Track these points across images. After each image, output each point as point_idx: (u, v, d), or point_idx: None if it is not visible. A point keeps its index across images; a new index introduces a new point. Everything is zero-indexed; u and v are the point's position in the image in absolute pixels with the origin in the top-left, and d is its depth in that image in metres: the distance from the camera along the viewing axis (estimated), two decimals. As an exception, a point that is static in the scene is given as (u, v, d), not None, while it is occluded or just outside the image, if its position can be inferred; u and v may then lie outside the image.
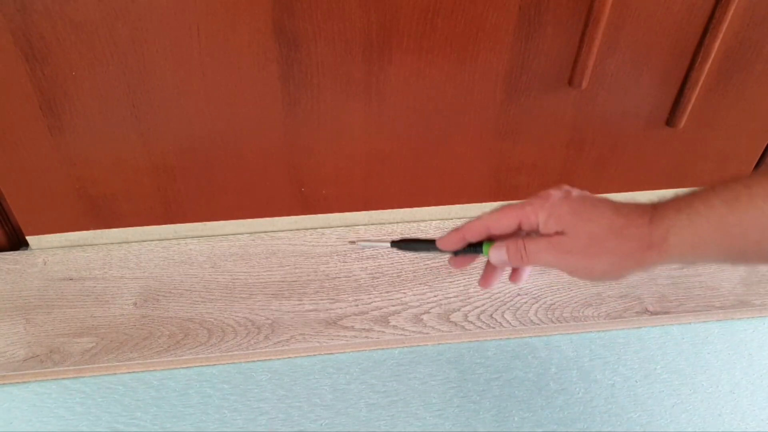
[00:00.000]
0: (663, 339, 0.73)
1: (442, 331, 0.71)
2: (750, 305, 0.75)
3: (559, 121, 0.74)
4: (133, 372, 0.68)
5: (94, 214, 0.76)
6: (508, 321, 0.72)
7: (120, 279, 0.75)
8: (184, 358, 0.68)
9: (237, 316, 0.71)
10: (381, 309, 0.73)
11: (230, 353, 0.68)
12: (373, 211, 0.82)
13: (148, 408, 0.65)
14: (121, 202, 0.75)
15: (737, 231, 0.35)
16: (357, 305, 0.73)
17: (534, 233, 0.44)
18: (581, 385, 0.69)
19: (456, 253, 0.46)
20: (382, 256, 0.78)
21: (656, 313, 0.74)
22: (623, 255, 0.39)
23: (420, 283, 0.76)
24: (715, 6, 0.64)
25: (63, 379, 0.67)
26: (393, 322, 0.71)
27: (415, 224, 0.83)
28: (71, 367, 0.67)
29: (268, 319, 0.71)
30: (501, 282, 0.75)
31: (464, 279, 0.76)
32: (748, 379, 0.70)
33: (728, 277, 0.78)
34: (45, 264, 0.76)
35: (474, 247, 0.45)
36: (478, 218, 0.44)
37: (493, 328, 0.72)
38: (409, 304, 0.73)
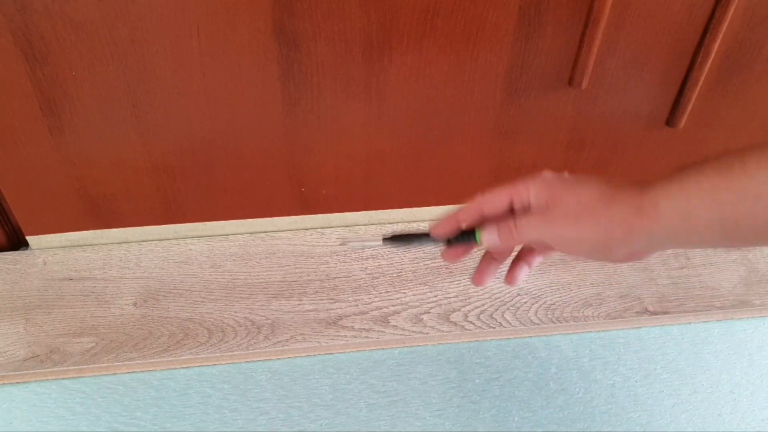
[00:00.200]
0: (663, 339, 0.73)
1: (442, 331, 0.71)
2: (750, 305, 0.75)
3: (559, 121, 0.74)
4: (133, 372, 0.68)
5: (94, 214, 0.76)
6: (508, 321, 0.72)
7: (120, 279, 0.75)
8: (184, 358, 0.68)
9: (237, 316, 0.71)
10: (381, 309, 0.73)
11: (230, 353, 0.68)
12: (373, 211, 0.82)
13: (148, 408, 0.65)
14: (121, 202, 0.75)
15: (728, 198, 0.34)
16: (357, 305, 0.73)
17: (526, 211, 0.43)
18: (581, 385, 0.69)
19: (449, 242, 0.46)
20: (382, 256, 0.78)
21: (656, 313, 0.74)
22: (612, 222, 0.38)
23: (420, 283, 0.76)
24: (715, 6, 0.64)
25: (63, 379, 0.67)
26: (393, 322, 0.71)
27: (415, 224, 0.83)
28: (71, 367, 0.67)
29: (268, 319, 0.71)
30: (501, 282, 0.75)
31: (464, 279, 0.76)
32: (748, 379, 0.70)
33: (728, 277, 0.78)
34: (45, 264, 0.76)
35: (467, 235, 0.45)
36: (470, 201, 0.44)
37: (493, 328, 0.72)
38: (409, 304, 0.73)
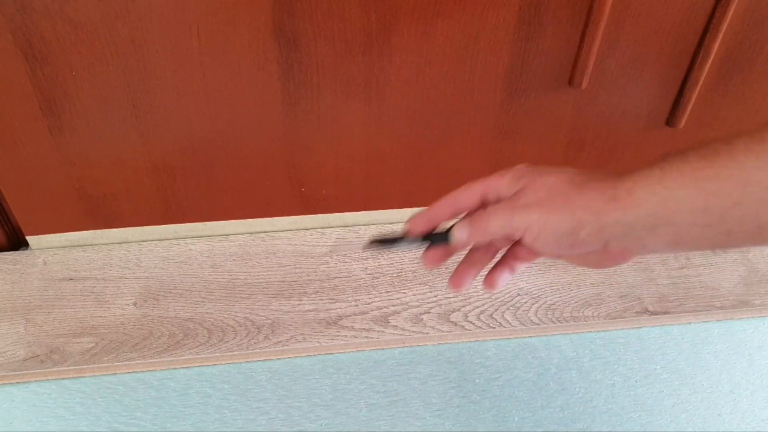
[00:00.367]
0: (663, 339, 0.73)
1: (442, 331, 0.71)
2: (750, 305, 0.75)
3: (559, 121, 0.74)
4: (133, 372, 0.68)
5: (94, 214, 0.76)
6: (508, 321, 0.72)
7: (120, 279, 0.75)
8: (184, 358, 0.68)
9: (237, 316, 0.71)
10: (381, 309, 0.73)
11: (230, 353, 0.68)
12: (373, 211, 0.82)
13: (148, 408, 0.65)
14: (121, 202, 0.75)
15: (714, 187, 0.30)
16: (357, 305, 0.73)
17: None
18: (581, 385, 0.69)
19: (427, 240, 0.44)
20: (382, 255, 0.78)
21: (656, 313, 0.74)
22: (581, 208, 0.34)
23: (420, 283, 0.76)
24: (715, 6, 0.64)
25: (63, 379, 0.67)
26: (393, 322, 0.71)
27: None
28: (71, 367, 0.67)
29: (268, 319, 0.71)
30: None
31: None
32: (748, 379, 0.70)
33: (728, 277, 0.78)
34: (45, 264, 0.76)
35: (443, 235, 0.43)
36: (443, 197, 0.42)
37: (493, 328, 0.72)
38: (409, 304, 0.73)
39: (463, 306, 0.73)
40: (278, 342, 0.69)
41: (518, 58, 0.67)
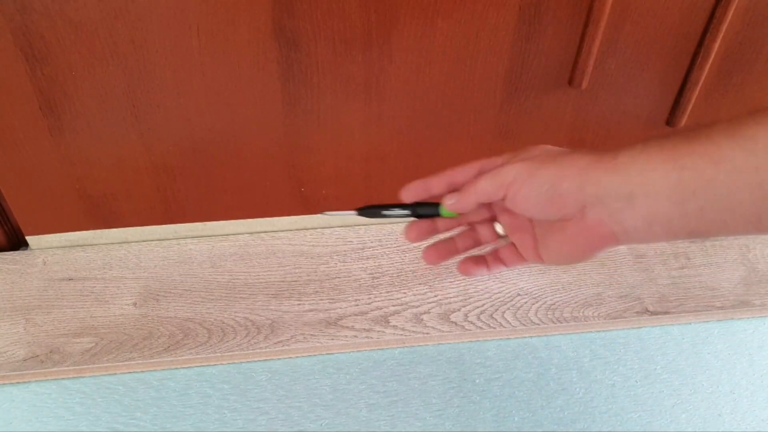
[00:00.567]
0: (663, 339, 0.73)
1: (442, 331, 0.71)
2: (750, 305, 0.75)
3: (559, 121, 0.74)
4: (133, 372, 0.68)
5: (94, 214, 0.76)
6: (508, 321, 0.72)
7: (120, 279, 0.75)
8: (184, 358, 0.68)
9: (237, 316, 0.71)
10: (381, 309, 0.73)
11: (230, 353, 0.68)
12: (373, 211, 0.82)
13: (148, 408, 0.65)
14: (121, 202, 0.75)
15: (688, 162, 0.32)
16: (357, 305, 0.73)
17: None
18: (581, 385, 0.69)
19: (417, 214, 0.45)
20: (382, 255, 0.78)
21: (656, 313, 0.74)
22: (566, 164, 0.36)
23: (420, 283, 0.76)
24: (715, 6, 0.64)
25: (63, 379, 0.67)
26: (393, 322, 0.71)
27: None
28: (71, 367, 0.67)
29: (268, 319, 0.71)
30: (501, 282, 0.75)
31: (464, 279, 0.76)
32: (748, 379, 0.70)
33: (728, 277, 0.78)
34: (45, 264, 0.76)
35: (433, 206, 0.44)
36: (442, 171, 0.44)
37: (493, 328, 0.72)
38: (409, 304, 0.73)
39: (464, 306, 0.73)
40: (278, 342, 0.69)
41: (518, 58, 0.67)
